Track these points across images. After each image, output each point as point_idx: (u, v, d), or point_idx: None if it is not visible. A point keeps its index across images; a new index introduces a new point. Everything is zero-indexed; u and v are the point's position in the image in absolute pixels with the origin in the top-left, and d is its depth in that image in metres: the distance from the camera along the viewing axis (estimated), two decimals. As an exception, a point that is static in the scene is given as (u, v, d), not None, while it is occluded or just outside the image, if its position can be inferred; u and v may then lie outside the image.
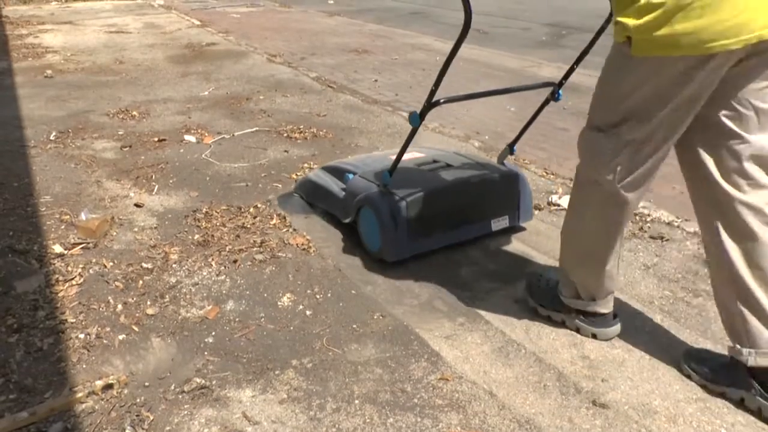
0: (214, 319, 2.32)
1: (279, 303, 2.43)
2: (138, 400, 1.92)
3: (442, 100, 2.44)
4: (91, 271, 2.63)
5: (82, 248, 2.81)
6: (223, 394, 1.96)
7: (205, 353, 2.14)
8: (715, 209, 1.87)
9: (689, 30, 1.58)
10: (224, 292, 2.50)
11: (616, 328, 2.20)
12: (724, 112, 1.77)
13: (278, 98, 5.31)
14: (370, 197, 2.69)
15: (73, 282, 2.54)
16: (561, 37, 8.49)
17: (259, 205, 3.21)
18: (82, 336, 2.21)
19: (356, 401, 1.92)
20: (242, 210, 3.16)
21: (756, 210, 1.79)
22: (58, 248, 2.78)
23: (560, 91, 2.67)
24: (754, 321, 1.82)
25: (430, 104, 2.40)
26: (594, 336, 2.20)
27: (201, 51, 7.31)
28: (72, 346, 2.16)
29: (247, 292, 2.49)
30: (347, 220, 2.87)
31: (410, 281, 2.56)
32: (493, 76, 6.08)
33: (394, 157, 2.66)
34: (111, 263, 2.68)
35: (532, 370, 2.06)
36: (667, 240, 2.89)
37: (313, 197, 3.18)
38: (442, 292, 2.49)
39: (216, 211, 3.14)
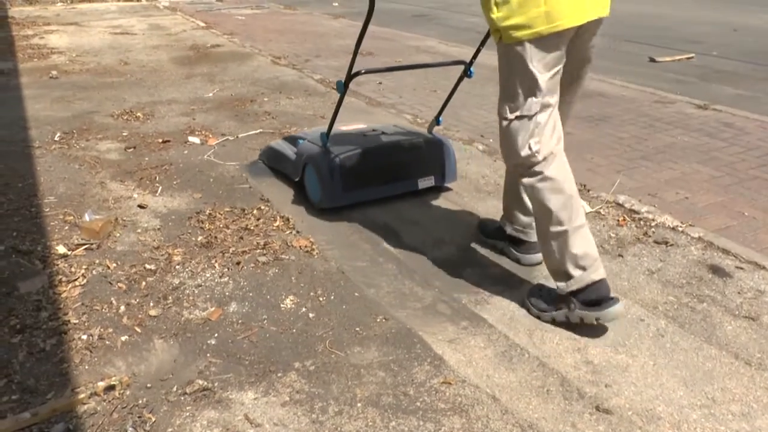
0: (217, 321, 2.32)
1: (282, 305, 2.42)
2: (140, 402, 1.92)
3: (363, 71, 3.00)
4: (94, 272, 2.63)
5: (85, 249, 2.81)
6: (225, 396, 1.95)
7: (208, 355, 2.14)
8: None
9: (541, 14, 2.04)
10: (227, 293, 2.49)
11: (617, 307, 2.21)
12: (573, 65, 2.29)
13: (282, 100, 5.31)
14: (312, 155, 3.20)
15: (76, 283, 2.54)
16: (565, 41, 8.49)
17: (262, 207, 3.21)
18: (84, 337, 2.21)
19: (359, 404, 1.92)
20: (245, 212, 3.16)
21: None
22: (61, 249, 2.78)
23: (471, 69, 3.15)
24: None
25: (350, 75, 2.85)
26: (597, 320, 2.22)
27: (206, 53, 7.32)
28: (74, 347, 2.16)
29: (250, 294, 2.49)
30: (297, 179, 3.35)
31: (413, 283, 2.56)
32: (496, 79, 6.07)
33: (343, 128, 3.36)
34: (114, 264, 2.68)
35: (535, 375, 2.05)
36: (671, 245, 2.88)
37: (273, 162, 3.69)
38: (446, 296, 2.48)
39: (219, 213, 3.14)
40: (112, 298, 2.44)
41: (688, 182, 3.63)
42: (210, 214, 3.13)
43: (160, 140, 4.21)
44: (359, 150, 3.16)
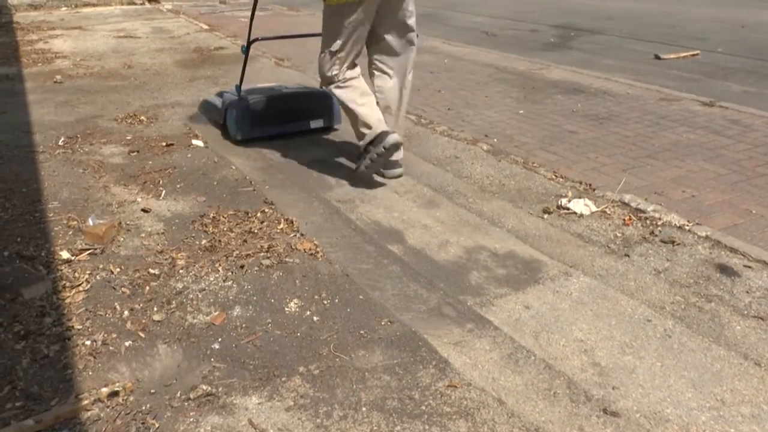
0: (221, 325, 2.31)
1: (286, 309, 2.41)
2: (143, 408, 1.91)
3: (260, 38, 4.05)
4: (98, 277, 2.62)
5: (89, 254, 2.80)
6: (229, 401, 1.94)
7: (212, 360, 2.13)
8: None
9: None
10: (231, 297, 2.48)
11: (399, 170, 3.57)
12: (383, 27, 3.40)
13: (286, 102, 5.29)
14: (231, 102, 4.22)
15: (80, 288, 2.53)
16: (569, 39, 8.45)
17: (266, 210, 3.20)
18: (88, 343, 2.21)
19: (363, 408, 1.90)
20: (249, 215, 3.15)
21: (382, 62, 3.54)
22: (65, 254, 2.78)
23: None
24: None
25: (249, 42, 4.02)
26: (382, 175, 3.54)
27: (209, 55, 7.32)
28: (78, 353, 2.15)
29: (254, 298, 2.48)
30: (222, 122, 4.34)
31: (418, 286, 2.54)
32: (502, 79, 6.05)
33: (261, 85, 4.57)
34: (118, 269, 2.68)
35: (541, 378, 2.03)
36: (678, 244, 2.86)
37: (207, 112, 4.67)
38: (451, 298, 2.47)
39: (223, 216, 3.13)
40: (116, 303, 2.44)
41: (694, 180, 3.60)
42: (214, 217, 3.13)
43: (164, 144, 4.21)
44: (264, 97, 4.22)
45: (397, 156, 3.54)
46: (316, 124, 4.34)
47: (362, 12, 3.23)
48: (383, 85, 3.55)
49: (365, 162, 3.40)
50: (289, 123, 4.28)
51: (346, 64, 3.40)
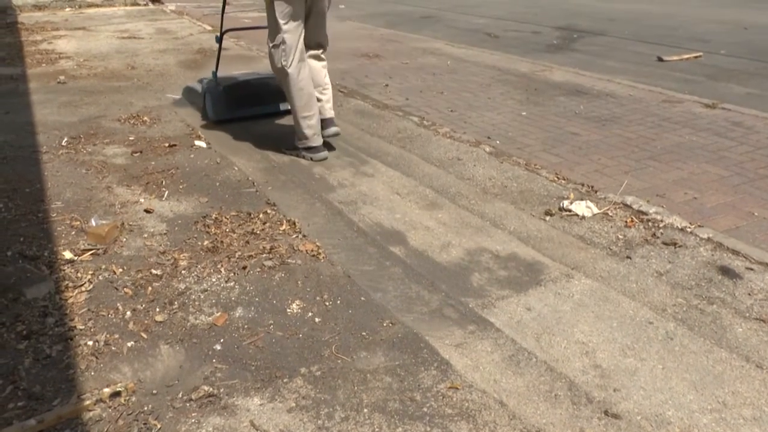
0: (223, 326, 2.32)
1: (288, 310, 2.41)
2: (146, 408, 1.92)
3: (231, 28, 4.78)
4: (100, 277, 2.63)
5: (91, 254, 2.81)
6: (231, 402, 1.94)
7: (214, 361, 2.13)
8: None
9: None
10: (233, 298, 2.49)
11: (324, 154, 3.96)
12: (315, 16, 3.89)
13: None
14: (209, 87, 4.67)
15: (83, 288, 2.54)
16: (572, 41, 8.45)
17: (268, 211, 3.20)
18: (90, 343, 2.21)
19: (365, 410, 1.91)
20: (252, 216, 3.15)
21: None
22: (68, 254, 2.79)
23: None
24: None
25: (221, 33, 4.71)
26: (311, 159, 3.94)
27: (212, 56, 7.32)
28: (80, 353, 2.16)
29: (256, 299, 2.48)
30: (202, 105, 4.75)
31: (420, 287, 2.55)
32: (504, 81, 6.05)
33: (237, 73, 5.18)
34: (120, 269, 2.68)
35: (543, 380, 2.03)
36: (680, 246, 2.86)
37: (189, 96, 5.22)
38: (453, 300, 2.47)
39: (225, 217, 3.14)
40: (118, 304, 2.44)
41: (696, 182, 3.60)
42: (216, 218, 3.13)
43: (167, 144, 4.22)
44: (237, 82, 4.72)
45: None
46: (285, 106, 4.68)
47: (298, 4, 3.70)
48: (316, 66, 4.06)
49: (294, 153, 4.03)
50: (261, 105, 4.78)
51: (295, 56, 3.78)
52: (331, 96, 4.14)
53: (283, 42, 3.71)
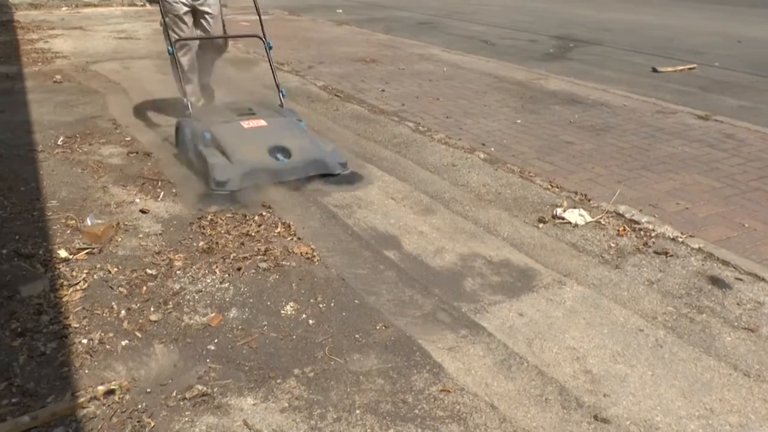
0: (217, 327, 2.33)
1: (282, 311, 2.43)
2: (139, 406, 1.93)
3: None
4: (95, 276, 2.64)
5: (87, 253, 2.82)
6: (224, 401, 1.96)
7: (207, 360, 2.14)
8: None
9: None
10: (228, 299, 2.50)
11: None
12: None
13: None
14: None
15: (78, 287, 2.55)
16: (568, 50, 8.50)
17: (263, 213, 3.22)
18: (85, 341, 2.22)
19: (357, 411, 1.92)
20: (247, 218, 3.17)
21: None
22: (63, 253, 2.79)
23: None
24: None
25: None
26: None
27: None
28: (75, 351, 2.17)
29: (251, 300, 2.50)
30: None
31: (413, 291, 2.57)
32: (500, 88, 6.09)
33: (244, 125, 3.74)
34: (115, 269, 2.69)
35: (533, 384, 2.05)
36: (671, 256, 2.89)
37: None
38: (446, 304, 2.49)
39: (221, 219, 3.15)
40: (113, 303, 2.45)
41: (688, 193, 3.64)
42: (211, 219, 3.14)
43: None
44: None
45: None
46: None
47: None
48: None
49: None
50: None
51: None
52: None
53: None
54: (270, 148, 3.58)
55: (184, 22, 4.43)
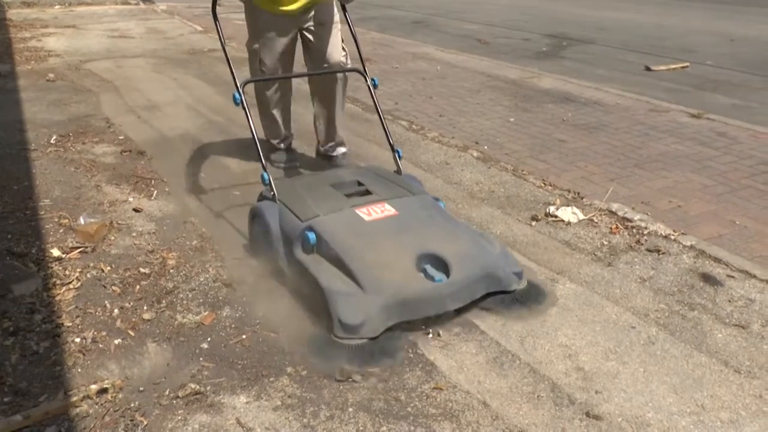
0: (210, 325, 2.33)
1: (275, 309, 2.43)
2: (132, 405, 1.93)
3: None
4: (88, 275, 2.64)
5: (80, 252, 2.81)
6: (217, 400, 1.96)
7: (201, 359, 2.14)
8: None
9: None
10: (221, 298, 2.50)
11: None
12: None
13: (279, 105, 5.31)
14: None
15: (71, 286, 2.55)
16: (561, 49, 8.52)
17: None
18: (78, 340, 2.22)
19: (350, 409, 1.93)
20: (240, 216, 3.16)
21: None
22: (56, 252, 2.79)
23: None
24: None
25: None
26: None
27: (203, 55, 7.33)
28: (68, 350, 2.16)
29: (244, 299, 2.50)
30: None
31: (406, 290, 2.56)
32: (493, 87, 6.10)
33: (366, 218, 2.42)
34: (109, 268, 2.69)
35: (526, 381, 2.06)
36: (663, 253, 2.90)
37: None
38: (438, 302, 2.49)
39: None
40: (106, 302, 2.45)
41: (681, 191, 3.65)
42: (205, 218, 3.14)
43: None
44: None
45: None
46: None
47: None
48: None
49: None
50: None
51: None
52: None
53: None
54: (417, 259, 2.31)
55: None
